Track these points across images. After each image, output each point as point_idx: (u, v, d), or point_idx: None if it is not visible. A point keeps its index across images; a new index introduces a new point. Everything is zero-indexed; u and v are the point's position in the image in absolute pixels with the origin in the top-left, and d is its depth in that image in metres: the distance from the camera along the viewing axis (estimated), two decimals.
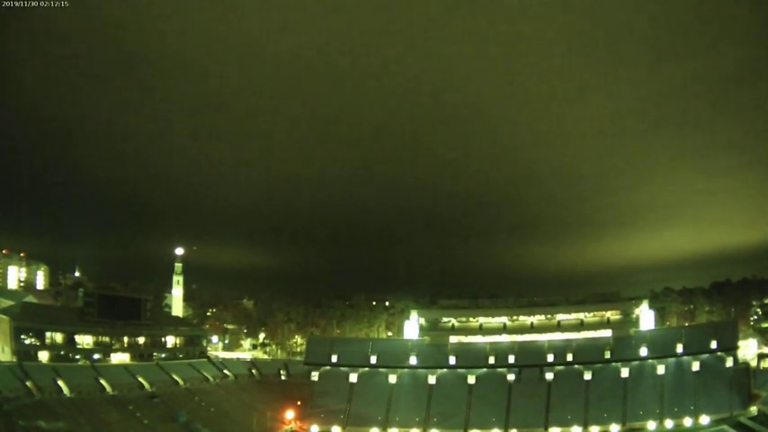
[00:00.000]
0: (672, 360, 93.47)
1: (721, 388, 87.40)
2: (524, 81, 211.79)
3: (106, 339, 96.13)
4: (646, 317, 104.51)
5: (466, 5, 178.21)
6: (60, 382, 79.80)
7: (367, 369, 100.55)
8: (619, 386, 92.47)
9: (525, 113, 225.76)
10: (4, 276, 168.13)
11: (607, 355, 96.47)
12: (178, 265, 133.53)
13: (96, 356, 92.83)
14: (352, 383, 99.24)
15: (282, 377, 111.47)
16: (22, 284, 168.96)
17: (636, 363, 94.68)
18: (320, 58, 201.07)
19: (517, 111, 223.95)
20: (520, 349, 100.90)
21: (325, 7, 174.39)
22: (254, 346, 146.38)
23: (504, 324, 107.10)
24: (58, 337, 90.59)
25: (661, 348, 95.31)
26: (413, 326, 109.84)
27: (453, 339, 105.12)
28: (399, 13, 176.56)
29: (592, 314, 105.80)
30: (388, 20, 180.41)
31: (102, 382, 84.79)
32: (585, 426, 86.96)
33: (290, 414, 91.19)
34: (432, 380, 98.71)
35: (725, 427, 79.65)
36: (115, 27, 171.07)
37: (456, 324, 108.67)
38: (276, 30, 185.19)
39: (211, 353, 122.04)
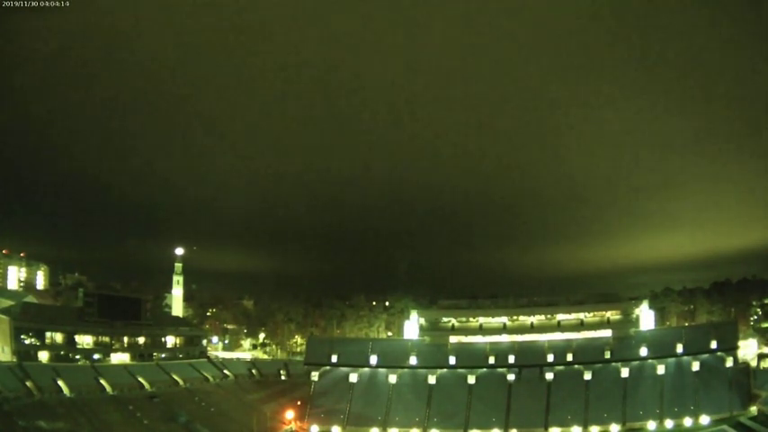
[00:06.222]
0: (672, 360, 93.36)
1: (721, 388, 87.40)
2: (529, 86, 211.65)
3: (106, 339, 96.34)
4: (646, 317, 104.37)
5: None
6: (60, 382, 79.85)
7: (367, 369, 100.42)
8: (619, 386, 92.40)
9: (527, 117, 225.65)
10: (4, 276, 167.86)
11: (607, 355, 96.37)
12: (178, 265, 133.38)
13: (96, 356, 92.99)
14: (352, 383, 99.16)
15: (282, 377, 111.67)
16: (22, 284, 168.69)
17: (636, 363, 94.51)
18: (317, 57, 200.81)
19: (520, 114, 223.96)
20: (520, 349, 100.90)
21: (323, 8, 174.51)
22: (254, 346, 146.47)
23: (504, 324, 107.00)
24: (58, 337, 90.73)
25: (661, 348, 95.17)
26: (413, 326, 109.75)
27: (453, 339, 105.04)
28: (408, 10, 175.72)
29: (592, 314, 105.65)
30: (394, 16, 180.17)
31: (102, 382, 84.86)
32: (585, 426, 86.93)
33: (290, 414, 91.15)
34: (432, 380, 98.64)
35: (725, 427, 79.65)
36: (115, 28, 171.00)
37: (456, 324, 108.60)
38: (273, 28, 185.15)
39: (211, 353, 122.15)
